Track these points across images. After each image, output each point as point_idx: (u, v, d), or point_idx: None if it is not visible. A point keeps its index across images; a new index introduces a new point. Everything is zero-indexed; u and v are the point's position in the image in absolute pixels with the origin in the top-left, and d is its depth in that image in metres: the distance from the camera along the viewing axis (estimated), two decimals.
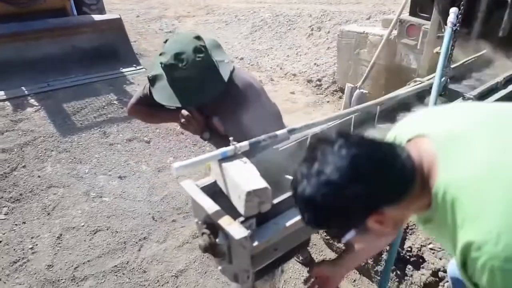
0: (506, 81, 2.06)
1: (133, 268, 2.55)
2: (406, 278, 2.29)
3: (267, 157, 1.39)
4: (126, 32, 5.37)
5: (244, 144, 1.24)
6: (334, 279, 1.26)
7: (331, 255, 2.63)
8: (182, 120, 1.67)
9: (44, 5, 5.07)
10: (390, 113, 1.87)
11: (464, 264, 0.76)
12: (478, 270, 0.72)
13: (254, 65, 5.99)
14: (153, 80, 1.62)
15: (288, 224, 1.14)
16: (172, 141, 3.86)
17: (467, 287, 0.81)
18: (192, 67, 1.53)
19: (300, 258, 2.53)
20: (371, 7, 6.60)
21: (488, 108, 0.98)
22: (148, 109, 1.85)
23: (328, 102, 4.84)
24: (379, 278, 2.33)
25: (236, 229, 1.04)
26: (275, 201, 1.14)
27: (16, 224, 2.86)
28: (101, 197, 3.13)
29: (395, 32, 3.71)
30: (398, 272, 2.30)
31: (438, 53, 2.51)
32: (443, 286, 2.11)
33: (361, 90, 3.80)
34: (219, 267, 1.26)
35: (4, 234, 2.77)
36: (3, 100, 4.21)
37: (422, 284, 2.19)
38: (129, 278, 2.48)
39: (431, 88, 1.79)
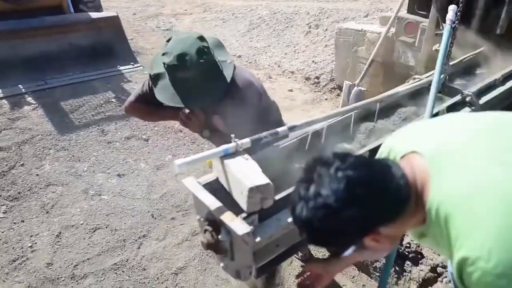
0: (504, 78, 2.07)
1: (133, 265, 2.55)
2: (405, 274, 2.31)
3: (268, 154, 1.40)
4: (123, 30, 5.35)
5: (246, 141, 1.25)
6: (325, 276, 1.27)
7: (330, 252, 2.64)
8: (183, 118, 1.67)
9: (40, 3, 5.04)
10: (390, 110, 1.89)
11: (461, 277, 0.78)
12: (474, 284, 0.75)
13: (252, 62, 5.98)
14: (155, 79, 1.62)
15: (290, 220, 1.14)
16: (171, 139, 3.85)
17: None
18: (196, 69, 1.53)
19: (300, 255, 2.54)
20: (369, 4, 6.60)
21: (483, 120, 0.99)
22: (147, 107, 1.85)
23: (326, 99, 4.85)
24: (378, 274, 2.35)
25: (238, 225, 1.05)
26: (277, 197, 1.15)
27: (15, 223, 2.85)
28: (100, 195, 3.13)
29: (393, 30, 3.72)
30: (397, 268, 2.31)
31: (436, 51, 2.53)
32: (442, 281, 2.13)
33: (359, 88, 3.81)
34: (221, 264, 1.27)
35: (3, 232, 2.76)
36: (0, 98, 4.19)
37: (420, 279, 2.21)
38: (128, 276, 2.48)
39: (430, 85, 1.80)
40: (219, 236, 1.13)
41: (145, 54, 5.95)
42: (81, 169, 3.39)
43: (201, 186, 1.21)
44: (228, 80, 1.60)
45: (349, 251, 0.85)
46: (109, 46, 5.14)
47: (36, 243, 2.70)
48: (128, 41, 5.54)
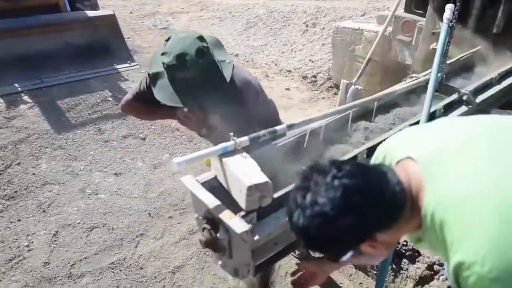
0: (501, 76, 2.09)
1: (130, 264, 2.54)
2: (401, 271, 2.32)
3: (266, 152, 1.40)
4: (120, 29, 5.33)
5: (244, 139, 1.25)
6: (319, 275, 1.28)
7: None
8: (181, 116, 1.66)
9: (37, 1, 5.02)
10: (387, 109, 1.89)
11: (457, 281, 0.79)
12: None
13: (249, 61, 5.98)
14: (154, 78, 1.62)
15: None
16: (168, 137, 3.85)
17: None
18: (195, 69, 1.53)
19: (297, 253, 2.54)
20: (366, 3, 6.61)
21: (477, 124, 0.99)
22: (144, 105, 1.85)
23: (323, 98, 4.85)
24: (375, 272, 2.35)
25: (237, 223, 1.05)
26: (276, 195, 1.15)
27: (11, 222, 2.84)
28: (97, 194, 3.12)
29: (390, 29, 3.73)
30: (394, 266, 2.32)
31: (434, 49, 2.54)
32: (438, 279, 2.14)
33: (356, 86, 3.81)
34: (219, 262, 1.27)
35: None
36: None
37: (417, 277, 2.22)
38: (126, 275, 2.48)
39: (427, 84, 1.81)
40: (218, 234, 1.13)
41: (142, 53, 5.94)
42: (78, 168, 3.38)
43: (200, 184, 1.21)
44: (228, 80, 1.60)
45: (346, 257, 0.86)
46: (105, 45, 5.12)
47: (32, 242, 2.69)
48: (125, 39, 5.52)
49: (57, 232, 2.76)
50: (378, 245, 0.84)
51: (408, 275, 2.28)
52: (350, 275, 2.46)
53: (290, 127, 1.43)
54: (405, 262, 2.31)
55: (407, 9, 3.57)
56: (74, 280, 2.44)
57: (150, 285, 2.43)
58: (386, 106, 1.90)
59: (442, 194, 0.82)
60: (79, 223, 2.84)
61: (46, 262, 2.53)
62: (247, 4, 7.90)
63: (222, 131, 1.66)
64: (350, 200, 0.78)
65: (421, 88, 1.96)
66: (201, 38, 1.58)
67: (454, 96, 1.85)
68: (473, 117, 1.04)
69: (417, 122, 1.57)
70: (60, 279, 2.43)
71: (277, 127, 1.38)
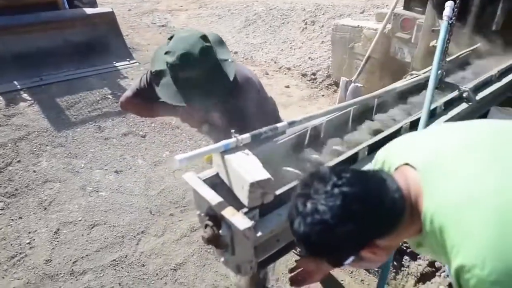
0: (500, 74, 2.10)
1: (132, 262, 2.55)
2: (403, 269, 2.33)
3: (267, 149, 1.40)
4: (119, 26, 5.32)
5: (246, 136, 1.25)
6: (316, 274, 1.29)
7: None
8: (183, 114, 1.67)
9: None
10: (386, 107, 1.90)
11: (459, 283, 0.80)
12: None
13: (248, 59, 5.98)
14: (156, 76, 1.62)
15: None
16: (168, 135, 3.85)
17: None
18: (199, 69, 1.53)
19: (298, 250, 2.55)
20: (365, 1, 6.60)
21: (475, 129, 1.00)
22: (144, 102, 1.85)
23: (323, 95, 4.86)
24: (376, 269, 2.37)
25: (240, 220, 1.06)
26: (278, 192, 1.16)
27: (12, 219, 2.84)
28: (97, 191, 3.13)
29: (389, 26, 3.73)
30: (395, 263, 2.33)
31: (433, 47, 2.54)
32: (440, 276, 2.15)
33: (356, 84, 3.82)
34: (221, 259, 1.27)
35: (0, 229, 2.76)
36: None
37: (419, 274, 2.23)
38: (128, 272, 2.49)
39: (427, 81, 1.81)
40: (220, 231, 1.14)
41: (141, 51, 5.93)
42: (78, 165, 3.39)
43: (202, 181, 1.21)
44: (231, 79, 1.60)
45: (347, 262, 0.87)
46: (104, 42, 5.11)
47: (34, 239, 2.69)
48: (124, 37, 5.51)
49: (58, 229, 2.77)
50: (378, 251, 0.86)
51: (410, 272, 2.30)
52: (351, 272, 2.47)
53: (291, 124, 1.43)
54: (406, 259, 2.33)
55: (406, 7, 3.58)
56: (76, 277, 2.44)
57: (152, 282, 2.44)
58: (386, 104, 1.91)
59: (440, 199, 0.84)
60: (80, 220, 2.85)
61: (48, 259, 2.54)
62: (246, 2, 7.88)
63: (224, 128, 1.67)
64: (350, 209, 0.80)
65: (421, 86, 1.97)
66: (204, 38, 1.58)
67: (454, 93, 1.85)
68: (470, 122, 1.05)
69: (418, 120, 1.58)
70: (62, 276, 2.44)
71: (278, 124, 1.38)
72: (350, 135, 1.62)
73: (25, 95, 4.23)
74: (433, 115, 1.69)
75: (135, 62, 5.12)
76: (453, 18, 1.84)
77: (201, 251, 2.63)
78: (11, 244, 2.64)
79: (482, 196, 0.79)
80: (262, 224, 1.13)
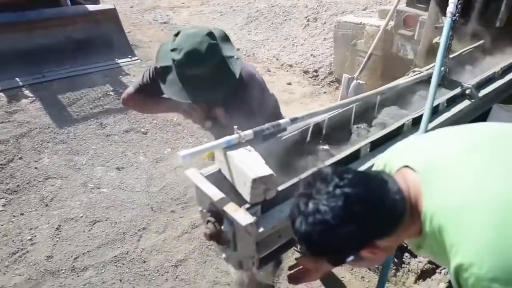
0: (504, 71, 2.09)
1: (133, 258, 2.56)
2: (403, 265, 2.33)
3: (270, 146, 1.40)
4: (121, 23, 5.31)
5: (249, 133, 1.25)
6: (314, 272, 1.29)
7: None
8: (187, 109, 1.66)
9: None
10: (389, 103, 1.89)
11: (458, 282, 0.81)
12: None
13: (250, 56, 5.96)
14: (163, 72, 1.61)
15: None
16: (170, 132, 3.85)
17: None
18: (206, 66, 1.52)
19: (299, 247, 2.55)
20: None
21: (476, 132, 1.02)
22: (147, 98, 1.84)
23: (325, 93, 4.85)
24: (378, 266, 2.36)
25: (242, 216, 1.06)
26: (280, 188, 1.15)
27: (14, 216, 2.85)
28: (99, 188, 3.13)
29: (392, 23, 3.71)
30: (396, 260, 2.33)
31: (436, 44, 2.53)
32: (440, 273, 2.15)
33: (358, 81, 3.80)
34: (223, 255, 1.27)
35: (2, 225, 2.76)
36: None
37: (419, 271, 2.23)
38: (129, 268, 2.49)
39: (430, 78, 1.81)
40: (222, 227, 1.14)
41: (143, 47, 5.91)
42: (80, 162, 3.39)
43: (204, 177, 1.21)
44: (237, 76, 1.60)
45: (347, 261, 0.88)
46: (106, 39, 5.09)
47: (35, 236, 2.70)
48: (126, 34, 5.50)
49: (59, 226, 2.77)
50: (377, 251, 0.87)
51: (410, 269, 2.29)
52: (352, 269, 2.47)
53: (294, 120, 1.43)
54: (406, 256, 2.33)
55: (409, 3, 3.55)
56: (77, 273, 2.45)
57: (153, 278, 2.44)
58: (389, 101, 1.91)
59: (440, 200, 0.85)
60: (81, 217, 2.85)
61: (49, 256, 2.55)
62: None
63: (226, 124, 1.67)
64: (351, 209, 0.81)
65: (424, 82, 1.96)
66: (211, 35, 1.56)
67: (457, 90, 1.85)
68: (471, 125, 1.06)
69: (420, 116, 1.58)
70: (63, 272, 2.45)
71: (281, 121, 1.38)
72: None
73: (27, 92, 4.23)
74: (435, 112, 1.69)
75: (137, 59, 5.10)
76: (457, 14, 1.83)
77: (202, 248, 2.63)
78: (13, 240, 2.65)
79: (482, 198, 0.80)
80: (264, 220, 1.13)
